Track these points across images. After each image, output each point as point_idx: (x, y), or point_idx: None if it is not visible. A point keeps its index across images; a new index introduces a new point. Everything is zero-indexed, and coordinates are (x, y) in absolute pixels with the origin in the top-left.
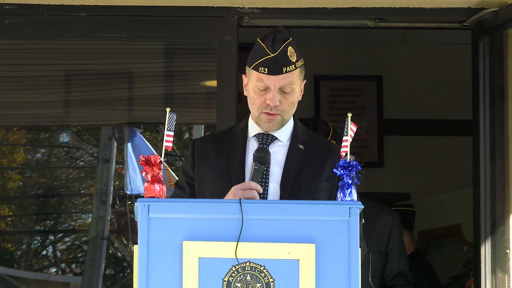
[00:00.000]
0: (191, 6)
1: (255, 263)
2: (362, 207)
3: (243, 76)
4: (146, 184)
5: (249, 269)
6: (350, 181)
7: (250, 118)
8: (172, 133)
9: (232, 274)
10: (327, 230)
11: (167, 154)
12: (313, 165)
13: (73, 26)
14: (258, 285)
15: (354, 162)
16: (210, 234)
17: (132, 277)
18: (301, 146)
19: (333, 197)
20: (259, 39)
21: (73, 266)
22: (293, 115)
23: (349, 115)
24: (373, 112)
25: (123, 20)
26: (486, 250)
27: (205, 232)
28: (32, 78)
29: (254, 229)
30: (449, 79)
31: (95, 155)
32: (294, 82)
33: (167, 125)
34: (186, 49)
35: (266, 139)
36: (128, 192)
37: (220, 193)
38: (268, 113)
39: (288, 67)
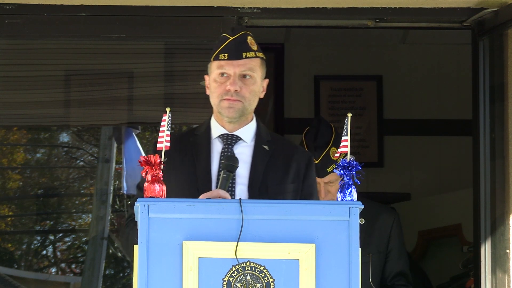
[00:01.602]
0: (191, 6)
1: (255, 263)
2: (362, 207)
3: (206, 76)
4: (146, 184)
5: (249, 269)
6: (350, 181)
7: (212, 119)
8: (169, 133)
9: (232, 274)
10: (327, 230)
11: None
12: (279, 166)
13: (73, 26)
14: (258, 285)
15: (354, 162)
16: (210, 234)
17: (132, 277)
18: (265, 147)
19: (298, 197)
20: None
21: (73, 266)
22: (255, 116)
23: (349, 115)
24: (373, 112)
25: (123, 20)
26: (486, 250)
27: (205, 232)
28: (32, 78)
29: (254, 229)
30: (449, 79)
31: (95, 155)
32: (255, 70)
33: (167, 125)
34: (186, 49)
35: (230, 140)
36: (124, 192)
37: (186, 194)
38: (228, 99)
39: (248, 53)
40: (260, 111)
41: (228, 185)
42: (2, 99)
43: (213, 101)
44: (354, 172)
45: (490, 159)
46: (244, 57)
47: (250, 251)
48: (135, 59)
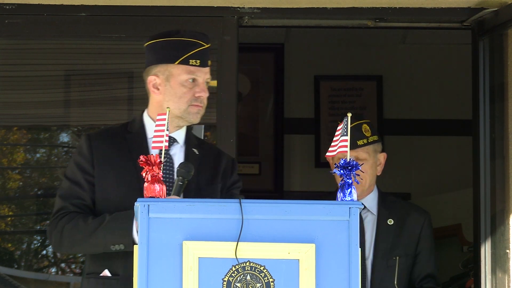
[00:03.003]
0: (191, 6)
1: (255, 263)
2: (362, 207)
3: (153, 76)
4: (146, 184)
5: (249, 269)
6: (350, 181)
7: (147, 118)
8: (167, 133)
9: (232, 274)
10: (327, 230)
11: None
12: (208, 168)
13: (73, 26)
14: (258, 285)
15: (354, 162)
16: (210, 234)
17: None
18: (195, 150)
19: (223, 196)
20: (167, 37)
21: (73, 266)
22: None
23: (349, 115)
24: (373, 112)
25: (123, 20)
26: (486, 250)
27: (205, 232)
28: (32, 78)
29: (254, 229)
30: (449, 79)
31: None
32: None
33: (167, 125)
34: None
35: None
36: None
37: (126, 194)
38: (197, 105)
39: (209, 61)
40: (260, 111)
41: (182, 191)
42: (2, 99)
43: (179, 105)
44: (354, 172)
45: (490, 159)
46: (208, 64)
47: (250, 251)
48: (135, 59)
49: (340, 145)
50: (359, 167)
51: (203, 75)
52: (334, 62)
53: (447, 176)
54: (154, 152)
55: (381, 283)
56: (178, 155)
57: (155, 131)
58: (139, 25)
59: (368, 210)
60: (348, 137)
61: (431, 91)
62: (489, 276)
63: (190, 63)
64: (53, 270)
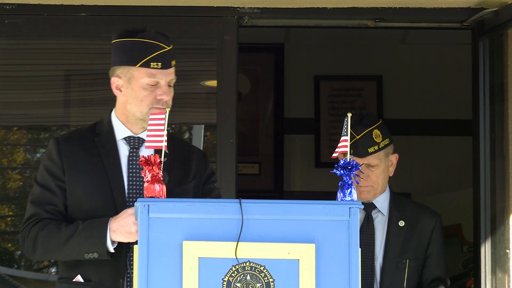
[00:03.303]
0: (191, 6)
1: (255, 263)
2: (362, 207)
3: (116, 78)
4: (146, 184)
5: (249, 269)
6: (350, 181)
7: (115, 119)
8: (166, 132)
9: (232, 274)
10: (327, 230)
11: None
12: (178, 167)
13: (73, 26)
14: (258, 285)
15: (354, 162)
16: (210, 234)
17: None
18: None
19: (199, 193)
20: (131, 36)
21: None
22: None
23: (349, 115)
24: (373, 112)
25: (123, 20)
26: (486, 250)
27: (205, 232)
28: (32, 78)
29: (254, 229)
30: (449, 79)
31: None
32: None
33: (167, 125)
34: (186, 49)
35: (136, 142)
36: None
37: (97, 201)
38: (158, 108)
39: (173, 61)
40: (260, 111)
41: None
42: (2, 99)
43: (140, 108)
44: (354, 172)
45: (490, 159)
46: (172, 65)
47: (250, 251)
48: None
49: (340, 145)
50: (359, 167)
51: (166, 77)
52: (334, 62)
53: (447, 176)
54: (123, 154)
55: (390, 286)
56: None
57: (149, 130)
58: (139, 25)
59: (379, 211)
60: (348, 137)
61: (431, 91)
62: (489, 276)
63: (151, 66)
64: (53, 270)
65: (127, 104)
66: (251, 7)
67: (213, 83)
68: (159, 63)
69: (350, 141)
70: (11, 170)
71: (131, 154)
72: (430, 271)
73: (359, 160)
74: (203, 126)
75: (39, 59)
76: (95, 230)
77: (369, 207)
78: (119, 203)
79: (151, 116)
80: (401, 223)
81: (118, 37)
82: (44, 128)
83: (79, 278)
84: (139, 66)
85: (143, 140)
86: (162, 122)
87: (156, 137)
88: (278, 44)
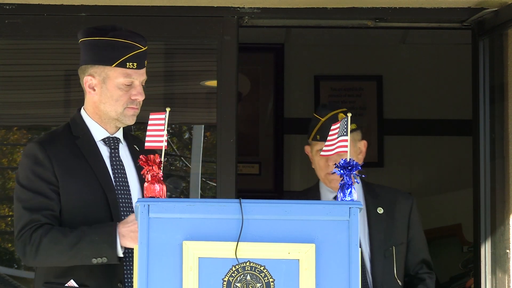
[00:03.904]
0: (191, 6)
1: (255, 263)
2: (362, 207)
3: (90, 77)
4: (146, 184)
5: (249, 269)
6: (350, 181)
7: (88, 120)
8: (166, 133)
9: (232, 274)
10: (327, 230)
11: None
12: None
13: (73, 26)
14: (258, 285)
15: (354, 162)
16: (210, 234)
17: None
18: (135, 147)
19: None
20: (103, 35)
21: None
22: None
23: (349, 115)
24: (373, 112)
25: (123, 20)
26: (486, 250)
27: (205, 232)
28: (32, 78)
29: (254, 229)
30: (449, 79)
31: None
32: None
33: (166, 125)
34: (186, 49)
35: (114, 143)
36: None
37: (91, 199)
38: (133, 108)
39: (146, 61)
40: (260, 111)
41: None
42: (2, 99)
43: (115, 108)
44: (354, 172)
45: (490, 159)
46: (145, 65)
47: (250, 251)
48: None
49: (338, 145)
50: (359, 167)
51: (140, 77)
52: (334, 62)
53: (447, 176)
54: (105, 155)
55: (383, 276)
56: (126, 155)
57: (149, 130)
58: (139, 25)
59: None
60: (348, 137)
61: (431, 91)
62: (489, 276)
63: (127, 66)
64: None
65: (101, 103)
66: (251, 7)
67: (213, 83)
68: (135, 63)
69: (315, 126)
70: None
71: (112, 155)
72: (415, 255)
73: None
74: (203, 126)
75: (39, 59)
76: (104, 235)
77: None
78: (111, 202)
79: (151, 116)
80: (380, 210)
81: (88, 35)
82: (44, 128)
83: (72, 283)
84: (115, 66)
85: (119, 140)
86: (162, 122)
87: (156, 137)
88: (278, 44)
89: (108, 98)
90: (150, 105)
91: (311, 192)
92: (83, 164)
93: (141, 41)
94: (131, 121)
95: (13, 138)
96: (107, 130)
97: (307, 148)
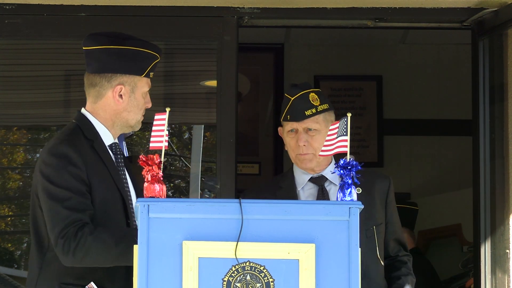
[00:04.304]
0: (191, 6)
1: (255, 263)
2: (362, 207)
3: (120, 86)
4: (146, 184)
5: (249, 269)
6: (350, 181)
7: (98, 125)
8: (167, 133)
9: (232, 274)
10: (327, 230)
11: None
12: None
13: (73, 26)
14: (258, 285)
15: (354, 162)
16: (210, 234)
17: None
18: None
19: None
20: (121, 43)
21: None
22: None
23: (349, 115)
24: (373, 112)
25: (123, 20)
26: (486, 250)
27: (205, 232)
28: (32, 78)
29: (254, 229)
30: (449, 79)
31: None
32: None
33: (167, 125)
34: (186, 49)
35: (118, 149)
36: None
37: (111, 202)
38: (143, 115)
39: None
40: (260, 111)
41: None
42: (2, 99)
43: (136, 116)
44: (354, 172)
45: (490, 159)
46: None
47: (250, 251)
48: None
49: (338, 145)
50: (359, 167)
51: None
52: (334, 62)
53: (447, 176)
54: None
55: (366, 256)
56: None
57: (153, 130)
58: (139, 25)
59: (331, 182)
60: (348, 137)
61: (431, 91)
62: (489, 276)
63: (150, 76)
64: None
65: (125, 111)
66: (251, 7)
67: (213, 83)
68: (153, 73)
69: (286, 105)
70: (11, 170)
71: (117, 161)
72: (392, 236)
73: (297, 125)
74: (203, 126)
75: (39, 59)
76: None
77: (320, 180)
78: (127, 204)
79: (155, 117)
80: (358, 190)
81: (108, 43)
82: (44, 128)
83: (92, 285)
84: (144, 76)
85: (118, 145)
86: (163, 122)
87: (158, 137)
88: (278, 44)
89: (135, 107)
90: None
91: (286, 176)
92: (102, 166)
93: (159, 51)
94: (139, 126)
95: (13, 138)
96: (113, 136)
97: (280, 130)
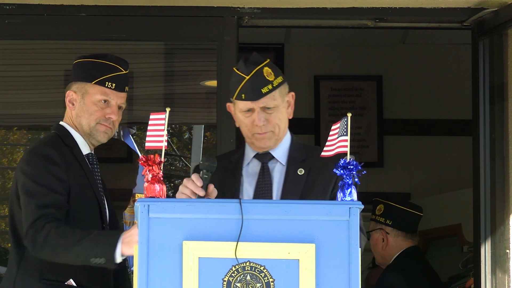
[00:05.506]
0: (191, 6)
1: (255, 263)
2: (362, 207)
3: (71, 92)
4: (146, 184)
5: (249, 269)
6: (350, 181)
7: (74, 133)
8: (167, 133)
9: (232, 274)
10: (327, 230)
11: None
12: None
13: (73, 26)
14: (258, 285)
15: (354, 162)
16: (210, 234)
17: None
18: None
19: None
20: (90, 59)
21: None
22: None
23: (349, 115)
24: (373, 112)
25: (123, 20)
26: (486, 250)
27: (205, 232)
28: (32, 78)
29: (254, 229)
30: (449, 79)
31: None
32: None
33: (167, 125)
34: (186, 49)
35: (93, 158)
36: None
37: (86, 205)
38: (104, 125)
39: (127, 87)
40: None
41: (207, 185)
42: (2, 99)
43: (88, 121)
44: (354, 172)
45: (490, 159)
46: (126, 90)
47: (250, 251)
48: (135, 59)
49: (338, 145)
50: (360, 167)
51: (117, 98)
52: (334, 62)
53: (447, 176)
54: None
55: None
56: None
57: (149, 130)
58: (139, 25)
59: (277, 161)
60: (348, 137)
61: (431, 91)
62: (489, 276)
63: (106, 85)
64: None
65: (78, 117)
66: (251, 7)
67: (213, 83)
68: (114, 84)
69: (240, 84)
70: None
71: (93, 170)
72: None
73: (253, 105)
74: (203, 126)
75: (39, 59)
76: (108, 238)
77: (264, 157)
78: (102, 208)
79: (151, 116)
80: (300, 171)
81: (79, 58)
82: (44, 128)
83: (71, 282)
84: (94, 83)
85: (94, 156)
86: (162, 122)
87: (156, 137)
88: (278, 44)
89: (84, 112)
90: (150, 105)
91: (237, 151)
92: (80, 171)
93: (123, 65)
94: (102, 137)
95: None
96: (89, 146)
97: (230, 106)
